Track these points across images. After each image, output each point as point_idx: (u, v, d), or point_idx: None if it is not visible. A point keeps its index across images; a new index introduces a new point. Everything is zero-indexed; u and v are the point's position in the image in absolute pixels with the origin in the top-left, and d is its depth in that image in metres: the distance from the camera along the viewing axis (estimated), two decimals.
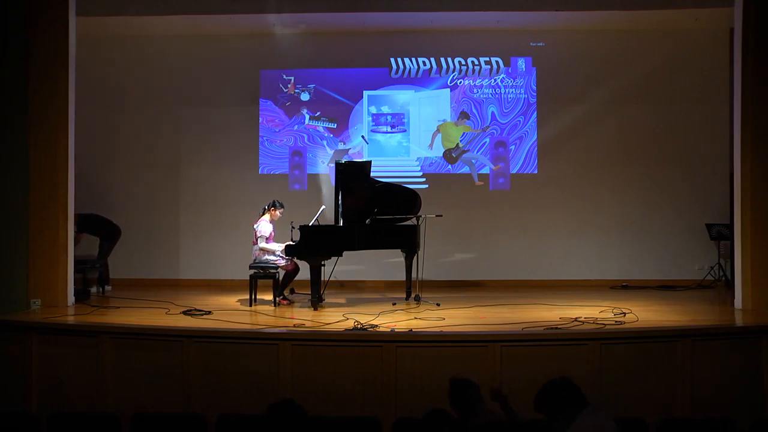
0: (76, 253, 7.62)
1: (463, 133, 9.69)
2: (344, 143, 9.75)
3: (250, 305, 7.46)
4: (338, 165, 7.69)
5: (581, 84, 9.55)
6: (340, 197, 7.53)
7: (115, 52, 9.69)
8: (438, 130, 9.70)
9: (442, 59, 9.65)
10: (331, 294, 8.08)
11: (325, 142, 9.77)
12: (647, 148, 9.49)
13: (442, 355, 5.58)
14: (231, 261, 9.31)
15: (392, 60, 9.67)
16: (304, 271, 7.40)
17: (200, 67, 9.73)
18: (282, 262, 7.57)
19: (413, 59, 9.67)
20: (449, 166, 9.70)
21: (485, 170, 9.69)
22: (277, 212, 7.79)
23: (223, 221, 9.61)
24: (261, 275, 7.55)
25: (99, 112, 9.54)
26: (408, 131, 9.73)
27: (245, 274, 7.73)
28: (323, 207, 8.17)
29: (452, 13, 8.94)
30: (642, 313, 6.69)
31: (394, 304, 7.49)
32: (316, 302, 7.18)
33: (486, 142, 9.67)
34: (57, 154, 7.07)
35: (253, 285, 7.54)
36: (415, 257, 7.81)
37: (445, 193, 9.42)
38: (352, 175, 7.62)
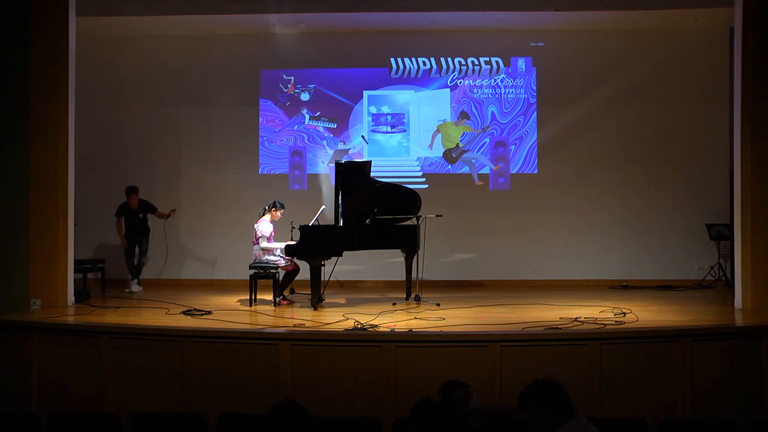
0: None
1: (463, 133, 9.69)
2: (344, 143, 9.75)
3: (250, 305, 7.46)
4: (338, 165, 7.68)
5: (581, 84, 9.55)
6: (340, 197, 7.52)
7: (115, 52, 9.69)
8: (438, 130, 9.70)
9: (442, 59, 9.65)
10: (331, 294, 8.09)
11: (325, 142, 9.77)
12: (647, 148, 9.49)
13: (442, 355, 5.58)
14: (231, 261, 9.33)
15: (392, 60, 9.67)
16: (304, 271, 7.39)
17: (200, 67, 9.73)
18: (282, 262, 7.57)
19: (413, 59, 9.67)
20: (449, 166, 9.70)
21: (485, 170, 9.69)
22: (278, 213, 7.79)
23: (223, 221, 9.61)
24: (261, 275, 7.55)
25: (99, 112, 9.54)
26: (408, 131, 9.73)
27: (245, 274, 7.73)
28: (323, 207, 8.18)
29: (452, 13, 8.94)
30: (642, 313, 6.69)
31: (394, 304, 7.49)
32: (316, 302, 7.18)
33: (486, 142, 9.67)
34: (57, 154, 7.07)
35: (253, 285, 7.54)
36: (415, 257, 7.81)
37: (445, 193, 9.42)
38: (352, 175, 7.61)
